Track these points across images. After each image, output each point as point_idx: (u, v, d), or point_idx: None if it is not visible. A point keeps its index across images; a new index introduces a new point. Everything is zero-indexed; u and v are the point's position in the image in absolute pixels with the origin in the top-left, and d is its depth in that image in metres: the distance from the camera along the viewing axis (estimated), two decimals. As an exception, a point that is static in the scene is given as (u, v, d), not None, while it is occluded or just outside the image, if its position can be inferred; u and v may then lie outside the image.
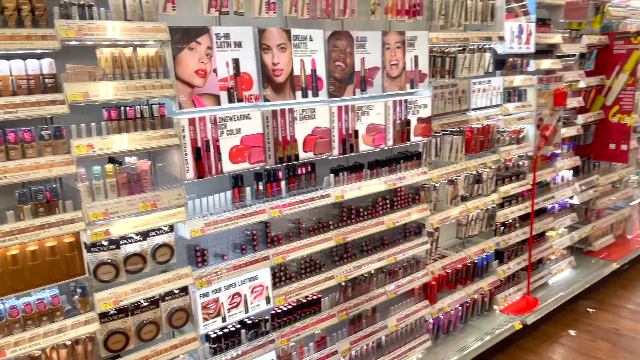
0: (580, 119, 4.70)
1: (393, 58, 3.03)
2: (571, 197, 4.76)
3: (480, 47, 3.63)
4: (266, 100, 2.52)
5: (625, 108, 4.77)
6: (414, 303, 3.50)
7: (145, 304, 2.29)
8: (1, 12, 1.83)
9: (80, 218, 2.02)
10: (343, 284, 3.06)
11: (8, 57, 1.88)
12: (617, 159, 4.93)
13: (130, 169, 2.16)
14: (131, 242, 2.24)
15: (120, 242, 2.19)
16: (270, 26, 2.54)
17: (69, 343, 2.06)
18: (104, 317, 2.16)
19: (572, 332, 4.26)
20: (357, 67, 2.87)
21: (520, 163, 4.21)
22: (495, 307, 4.16)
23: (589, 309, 4.62)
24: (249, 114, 2.45)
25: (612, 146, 4.89)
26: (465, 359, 3.59)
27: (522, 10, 3.84)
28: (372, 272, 3.21)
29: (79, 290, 2.11)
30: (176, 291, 2.38)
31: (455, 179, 3.62)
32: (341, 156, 2.87)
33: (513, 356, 3.95)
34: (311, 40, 2.65)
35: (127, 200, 2.13)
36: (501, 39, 3.70)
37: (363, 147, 2.95)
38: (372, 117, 2.97)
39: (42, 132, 1.93)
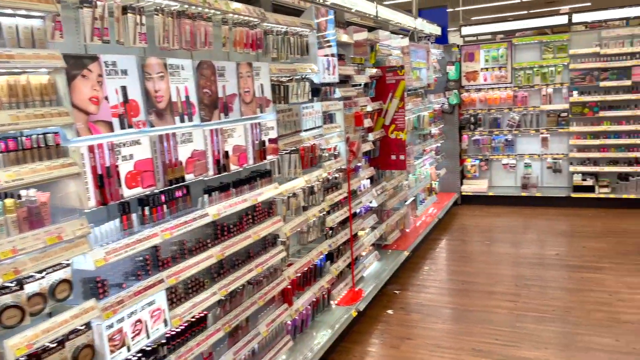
0: (371, 136, 5.73)
1: (246, 86, 3.37)
2: (371, 202, 5.71)
3: (302, 77, 4.22)
4: (151, 125, 2.59)
5: (399, 126, 5.99)
6: (276, 308, 3.82)
7: (52, 346, 2.12)
8: None
9: (-14, 259, 1.82)
10: (223, 298, 3.21)
11: None
12: (397, 167, 6.11)
13: (30, 202, 2.02)
14: (31, 282, 2.07)
15: (24, 282, 2.02)
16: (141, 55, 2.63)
17: (-22, 404, 1.81)
18: (12, 367, 1.95)
19: (390, 312, 5.12)
20: (220, 94, 3.12)
21: (337, 175, 4.93)
22: (332, 302, 4.75)
23: (395, 291, 5.59)
24: (139, 140, 2.50)
25: (393, 157, 6.06)
26: (320, 352, 4.05)
27: (327, 46, 4.58)
28: (244, 284, 3.43)
29: (-17, 343, 1.87)
30: (80, 327, 2.25)
31: (297, 191, 4.09)
32: (215, 176, 3.06)
33: (354, 340, 4.58)
34: (183, 69, 2.82)
35: (32, 235, 1.99)
36: (316, 70, 4.35)
37: (232, 167, 3.19)
38: (236, 139, 3.24)
39: (-63, 167, 1.71)
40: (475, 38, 9.73)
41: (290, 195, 4.03)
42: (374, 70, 5.80)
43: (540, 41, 8.78)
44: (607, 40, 8.28)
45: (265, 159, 3.54)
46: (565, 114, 8.64)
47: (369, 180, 5.74)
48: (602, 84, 8.25)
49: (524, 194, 8.94)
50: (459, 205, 9.30)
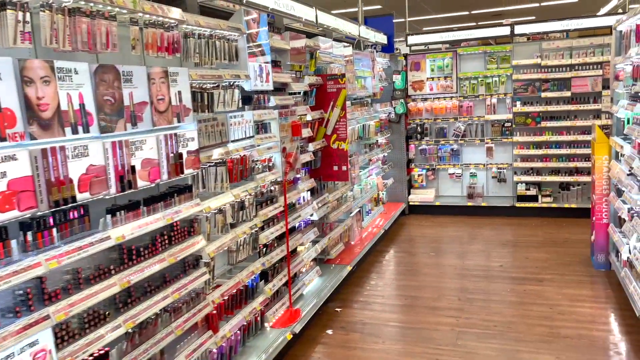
0: (311, 146, 5.48)
1: (159, 93, 3.05)
2: (312, 215, 5.46)
3: (231, 84, 3.93)
4: (33, 138, 2.24)
5: (341, 136, 5.77)
6: (198, 336, 3.49)
7: None
8: None
9: None
10: (130, 330, 2.86)
11: None
12: (340, 178, 5.89)
13: None
14: None
15: None
16: (28, 57, 2.28)
17: None
18: None
19: (329, 332, 4.87)
20: (127, 102, 2.79)
21: (272, 188, 4.65)
22: (266, 324, 4.44)
23: (337, 309, 5.35)
24: (14, 155, 2.14)
25: (335, 168, 5.84)
26: (250, 379, 3.75)
27: (260, 51, 4.31)
28: (158, 312, 3.09)
29: None
30: None
31: (223, 207, 3.79)
32: (119, 194, 2.72)
33: (289, 365, 4.29)
34: (76, 73, 2.48)
35: None
36: (247, 77, 4.07)
37: (140, 182, 2.86)
38: (146, 152, 2.91)
39: None
40: (426, 47, 9.69)
41: (216, 211, 3.72)
42: (314, 78, 5.57)
43: (484, 51, 8.83)
44: (547, 51, 8.39)
45: (182, 173, 3.22)
46: (509, 124, 8.70)
47: (309, 193, 5.49)
48: (543, 94, 8.35)
49: (470, 204, 8.93)
50: (406, 215, 9.19)
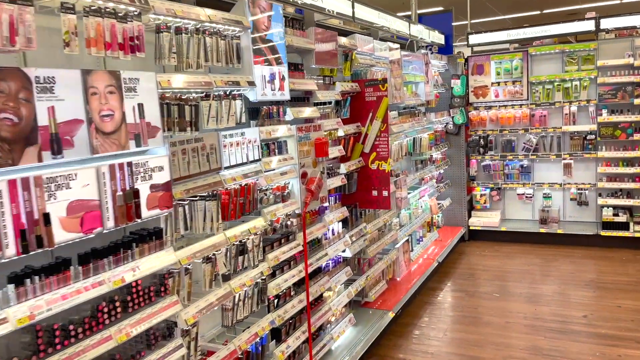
0: (343, 168, 4.51)
1: (104, 107, 2.19)
2: (343, 251, 4.47)
3: (227, 93, 3.04)
4: None
5: (381, 154, 4.76)
6: None
7: None
8: None
9: None
10: None
11: None
12: (380, 205, 4.88)
13: None
14: None
15: None
16: None
17: None
18: None
19: (361, 403, 3.85)
20: (43, 121, 1.95)
21: (289, 222, 3.72)
22: (278, 396, 3.50)
23: (373, 369, 4.32)
24: None
25: (375, 193, 4.83)
26: None
27: (272, 52, 3.41)
28: (100, 411, 2.22)
29: None
30: None
31: (214, 254, 2.89)
32: (21, 256, 1.88)
33: None
34: (-54, 80, 1.66)
35: None
36: (251, 84, 3.17)
37: (64, 235, 2.00)
38: (76, 191, 2.05)
39: None
40: (489, 48, 8.48)
41: (203, 260, 2.83)
42: (348, 85, 4.60)
43: (562, 51, 7.50)
44: (642, 49, 6.97)
45: (138, 217, 2.34)
46: (593, 137, 7.31)
47: (340, 224, 4.50)
48: (636, 101, 6.92)
49: (542, 230, 7.59)
50: (466, 242, 7.98)
